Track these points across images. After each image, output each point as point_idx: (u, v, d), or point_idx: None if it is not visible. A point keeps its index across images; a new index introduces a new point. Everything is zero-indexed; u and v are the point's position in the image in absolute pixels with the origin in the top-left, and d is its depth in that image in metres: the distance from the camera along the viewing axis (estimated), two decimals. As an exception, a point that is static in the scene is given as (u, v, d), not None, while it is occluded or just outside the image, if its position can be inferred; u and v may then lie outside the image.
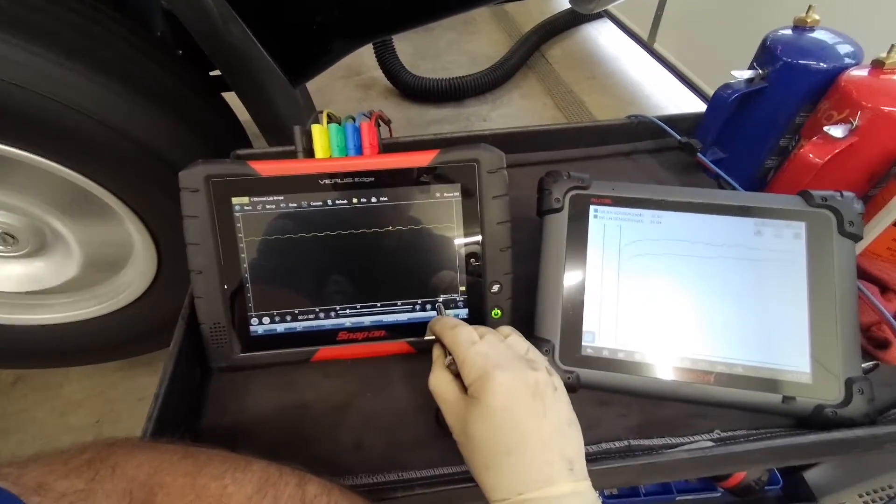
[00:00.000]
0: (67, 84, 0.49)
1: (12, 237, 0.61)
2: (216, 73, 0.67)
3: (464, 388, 0.29)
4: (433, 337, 0.34)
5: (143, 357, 0.83)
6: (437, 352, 0.33)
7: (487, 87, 1.49)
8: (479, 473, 0.27)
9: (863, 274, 0.40)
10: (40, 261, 0.66)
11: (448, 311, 0.40)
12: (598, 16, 1.74)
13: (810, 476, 0.56)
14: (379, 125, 0.44)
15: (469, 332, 0.31)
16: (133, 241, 0.64)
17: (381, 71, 1.44)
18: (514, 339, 0.32)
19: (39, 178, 0.56)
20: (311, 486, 0.27)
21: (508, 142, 0.53)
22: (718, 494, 0.56)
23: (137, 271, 0.67)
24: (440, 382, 0.30)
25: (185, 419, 0.37)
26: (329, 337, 0.40)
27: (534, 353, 0.31)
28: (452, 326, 0.32)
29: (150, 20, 0.68)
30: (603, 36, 1.74)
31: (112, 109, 0.52)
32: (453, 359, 0.30)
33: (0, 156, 0.51)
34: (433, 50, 1.72)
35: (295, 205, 0.38)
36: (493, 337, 0.31)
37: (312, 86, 1.04)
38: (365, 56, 1.52)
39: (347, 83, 1.58)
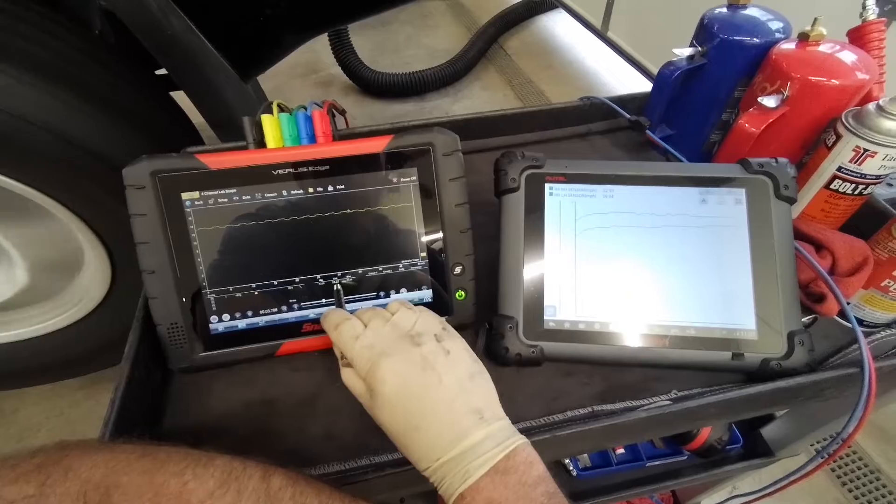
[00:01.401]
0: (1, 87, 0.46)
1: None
2: (163, 71, 0.64)
3: (361, 382, 0.31)
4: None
5: (106, 372, 0.80)
6: (337, 351, 0.34)
7: (448, 80, 1.49)
8: (403, 452, 0.29)
9: (799, 234, 0.42)
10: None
11: (412, 295, 0.41)
12: (552, 6, 1.77)
13: (767, 433, 0.60)
14: (333, 115, 0.43)
15: (351, 328, 0.32)
16: (82, 249, 0.61)
17: (339, 68, 1.42)
18: (400, 316, 0.32)
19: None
20: (276, 479, 0.26)
21: (465, 128, 0.54)
22: (685, 458, 0.59)
23: (90, 281, 0.64)
24: (348, 380, 0.32)
25: (145, 423, 0.36)
26: (293, 329, 0.39)
27: (422, 323, 0.32)
28: (335, 326, 0.32)
29: (87, 18, 0.65)
30: (559, 26, 1.78)
31: (49, 112, 0.49)
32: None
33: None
34: (392, 45, 1.71)
35: (248, 197, 0.37)
36: (378, 321, 0.32)
37: (269, 85, 1.02)
38: (322, 53, 1.50)
39: (305, 81, 1.55)
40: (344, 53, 1.37)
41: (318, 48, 1.53)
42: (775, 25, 0.48)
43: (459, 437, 0.27)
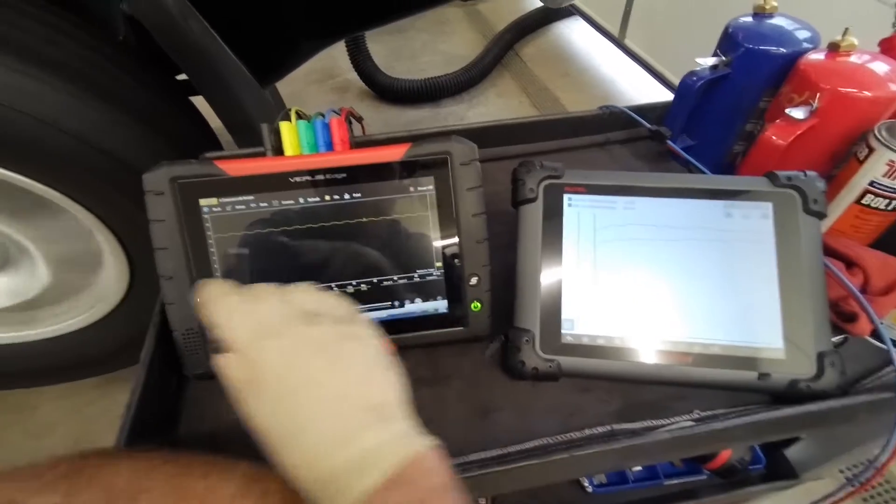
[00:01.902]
0: (26, 92, 0.47)
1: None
2: (183, 76, 0.65)
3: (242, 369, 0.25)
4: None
5: (121, 373, 0.81)
6: (208, 334, 0.29)
7: (463, 87, 1.49)
8: (278, 460, 0.23)
9: (829, 251, 0.41)
10: (5, 276, 0.64)
11: (427, 305, 0.40)
12: (569, 13, 1.77)
13: (791, 454, 0.58)
14: (350, 122, 0.43)
15: (231, 303, 0.26)
16: (101, 252, 0.62)
17: (355, 73, 1.43)
18: (299, 294, 0.27)
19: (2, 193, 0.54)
20: None
21: (482, 136, 0.53)
22: (704, 477, 0.57)
23: (109, 283, 0.64)
24: (223, 368, 0.25)
25: (161, 429, 0.36)
26: (307, 338, 0.39)
27: (323, 303, 0.27)
28: (210, 301, 0.26)
29: (110, 25, 0.66)
30: (575, 33, 1.77)
31: (74, 116, 0.50)
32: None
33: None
34: (408, 51, 1.72)
35: (266, 204, 0.37)
36: (267, 296, 0.26)
37: (286, 90, 1.03)
38: (339, 59, 1.51)
39: (322, 87, 1.56)
40: (360, 59, 1.38)
41: (335, 54, 1.54)
42: (803, 35, 0.47)
43: (349, 439, 0.22)
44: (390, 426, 0.23)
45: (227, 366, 0.25)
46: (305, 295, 0.27)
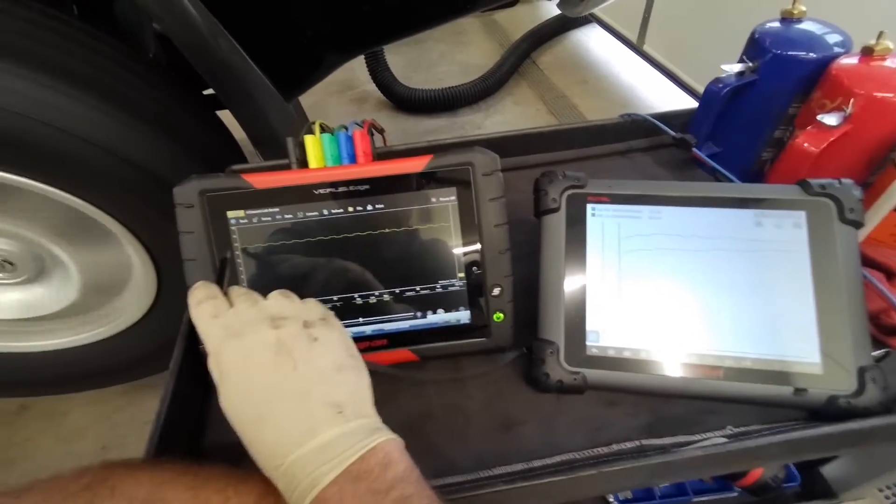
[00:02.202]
0: (61, 108, 0.49)
1: (10, 264, 0.61)
2: (209, 91, 0.67)
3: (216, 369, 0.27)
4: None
5: (147, 380, 0.83)
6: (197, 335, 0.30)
7: (480, 96, 1.50)
8: (249, 451, 0.25)
9: (867, 261, 0.39)
10: (39, 287, 0.66)
11: (449, 316, 0.40)
12: (586, 21, 1.76)
13: (828, 471, 0.55)
14: (372, 134, 0.44)
15: (213, 307, 0.28)
16: (132, 263, 0.64)
17: (374, 84, 1.45)
18: (271, 301, 0.29)
19: (36, 204, 0.56)
20: None
21: (503, 146, 0.53)
22: (735, 494, 0.55)
23: (138, 293, 0.66)
24: (209, 367, 0.28)
25: (187, 438, 0.36)
26: (330, 348, 0.39)
27: (292, 308, 0.28)
28: (198, 302, 0.29)
29: (142, 42, 0.69)
30: (592, 40, 1.76)
31: (106, 132, 0.52)
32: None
33: (-2, 182, 0.52)
34: (425, 61, 1.74)
35: (290, 216, 0.38)
36: (244, 303, 0.29)
37: (306, 102, 1.05)
38: (358, 70, 1.54)
39: (341, 98, 1.59)
40: (379, 70, 1.40)
41: (354, 66, 1.56)
42: (833, 39, 0.46)
43: (310, 432, 0.23)
44: (351, 422, 0.24)
45: (209, 366, 0.27)
46: (275, 301, 0.29)
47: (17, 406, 0.89)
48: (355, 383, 0.27)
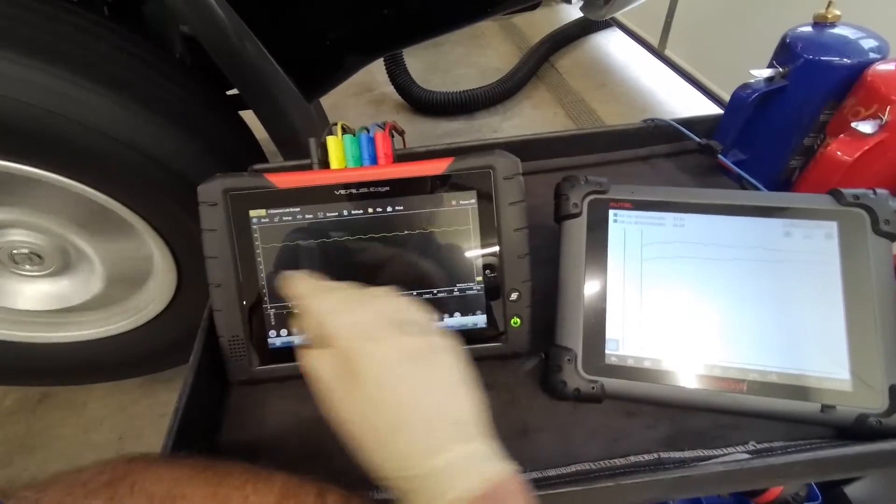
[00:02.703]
0: (88, 105, 0.50)
1: (38, 256, 0.63)
2: (233, 91, 0.68)
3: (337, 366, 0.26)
4: None
5: (164, 374, 0.84)
6: (297, 326, 0.30)
7: (498, 99, 1.49)
8: (363, 456, 0.25)
9: (901, 275, 0.38)
10: (65, 279, 0.68)
11: (466, 320, 0.40)
12: (606, 24, 1.75)
13: (852, 491, 0.53)
14: (393, 135, 0.44)
15: (328, 301, 0.27)
16: (153, 259, 0.65)
17: (392, 86, 1.46)
18: (384, 298, 0.28)
19: (62, 198, 0.57)
20: (331, 497, 0.26)
21: (523, 149, 0.53)
22: (754, 511, 0.53)
23: (158, 288, 0.68)
24: (309, 362, 0.27)
25: (204, 434, 0.37)
26: (347, 349, 0.39)
27: (409, 312, 0.28)
28: (306, 295, 0.28)
29: (169, 42, 0.70)
30: (612, 44, 1.75)
31: (131, 128, 0.53)
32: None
33: (27, 177, 0.53)
34: (443, 64, 1.75)
35: (311, 216, 0.38)
36: (358, 300, 0.28)
37: (326, 102, 1.06)
38: (376, 72, 1.55)
39: (360, 99, 1.60)
40: (397, 72, 1.41)
41: (373, 68, 1.57)
42: (869, 44, 0.44)
43: (437, 448, 0.23)
44: (475, 443, 0.24)
45: (320, 361, 0.26)
46: (393, 302, 0.28)
47: (40, 395, 0.92)
48: (475, 400, 0.26)
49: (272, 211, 0.38)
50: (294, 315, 0.29)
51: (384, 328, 0.26)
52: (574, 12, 1.92)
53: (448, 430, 0.24)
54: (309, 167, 0.41)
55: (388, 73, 1.42)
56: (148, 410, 0.89)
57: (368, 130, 0.42)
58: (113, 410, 0.90)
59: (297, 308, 0.28)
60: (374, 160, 0.40)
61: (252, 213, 0.37)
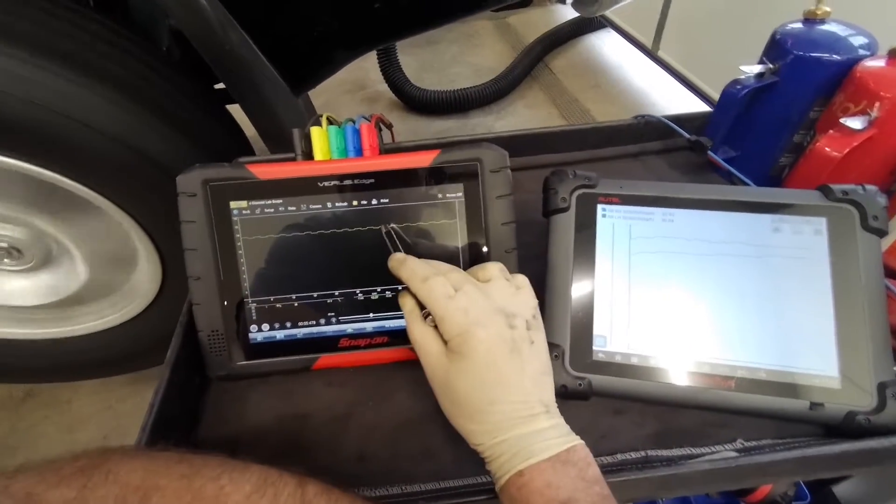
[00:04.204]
0: (71, 97, 0.49)
1: (18, 251, 0.61)
2: (221, 85, 0.67)
3: (443, 341, 0.30)
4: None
5: (151, 371, 0.83)
6: (409, 303, 0.32)
7: (492, 98, 1.49)
8: (460, 422, 0.29)
9: (890, 271, 0.37)
10: (46, 274, 0.66)
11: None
12: (600, 25, 1.75)
13: (840, 490, 0.53)
14: (380, 129, 0.43)
15: (443, 286, 0.30)
16: (137, 254, 0.64)
17: (386, 84, 1.45)
18: (495, 288, 0.31)
19: (43, 191, 0.56)
20: (311, 487, 0.26)
21: (513, 145, 0.52)
22: (742, 510, 0.53)
23: (142, 284, 0.66)
24: (423, 336, 0.31)
25: (182, 429, 0.36)
26: (330, 344, 0.39)
27: (517, 304, 0.31)
28: (424, 278, 0.31)
29: (155, 35, 0.69)
30: (606, 45, 1.75)
31: (116, 122, 0.52)
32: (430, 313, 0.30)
33: (6, 169, 0.52)
34: (438, 63, 1.74)
35: (294, 208, 0.37)
36: (471, 288, 0.30)
37: (319, 101, 1.05)
38: (370, 70, 1.54)
39: (353, 97, 1.59)
40: (391, 70, 1.40)
41: (367, 66, 1.57)
42: (858, 41, 0.44)
43: (529, 420, 0.28)
44: (557, 419, 0.29)
45: (429, 336, 0.30)
46: (501, 289, 0.31)
47: (23, 393, 0.90)
48: (552, 387, 0.31)
49: (254, 203, 0.37)
50: (401, 292, 0.33)
51: (493, 317, 0.29)
52: (568, 12, 1.93)
53: (537, 408, 0.28)
54: (293, 160, 0.41)
55: (381, 70, 1.42)
56: (134, 409, 0.87)
57: (354, 122, 0.41)
58: (98, 409, 0.88)
59: (411, 287, 0.31)
60: (359, 152, 0.40)
61: (233, 204, 0.37)
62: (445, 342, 0.30)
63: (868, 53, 0.43)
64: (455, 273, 0.31)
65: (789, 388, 0.34)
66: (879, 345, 0.34)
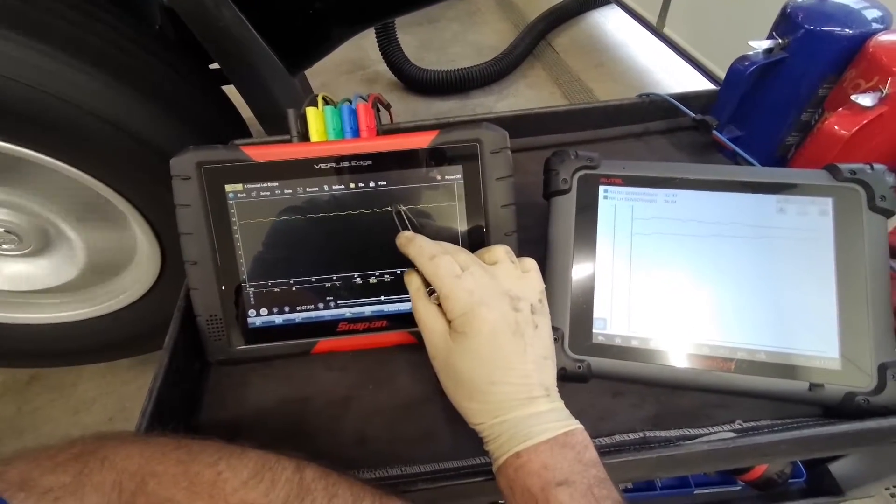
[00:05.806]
0: (67, 80, 0.48)
1: (16, 236, 0.61)
2: (216, 66, 0.66)
3: (447, 320, 0.30)
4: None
5: (156, 354, 0.83)
6: (416, 281, 0.32)
7: (493, 78, 1.46)
8: (460, 401, 0.29)
9: (895, 251, 0.37)
10: (45, 259, 0.66)
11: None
12: (605, 1, 1.70)
13: (836, 468, 0.54)
14: (378, 109, 0.42)
15: (450, 265, 0.30)
16: (136, 238, 0.63)
17: (385, 64, 1.42)
18: (501, 270, 0.31)
19: (40, 176, 0.55)
20: (309, 471, 0.26)
21: (514, 125, 0.51)
22: (739, 488, 0.54)
23: (143, 268, 0.66)
24: (427, 315, 0.30)
25: (182, 414, 0.36)
26: (329, 328, 0.38)
27: (520, 288, 0.31)
28: (431, 256, 0.30)
29: (148, 14, 0.67)
30: (611, 22, 1.70)
31: (109, 103, 0.51)
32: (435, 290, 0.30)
33: (2, 153, 0.51)
34: (438, 42, 1.70)
35: (290, 191, 0.36)
36: (477, 269, 0.30)
37: (316, 81, 1.03)
38: (369, 50, 1.51)
39: (352, 77, 1.56)
40: (390, 50, 1.37)
41: (366, 45, 1.54)
42: (872, 14, 0.43)
43: (529, 402, 0.28)
44: (557, 403, 0.29)
45: (431, 314, 0.30)
46: (507, 272, 0.31)
47: (28, 377, 0.91)
48: (554, 371, 0.30)
49: (249, 185, 0.36)
50: (408, 271, 0.33)
51: (497, 298, 0.29)
52: (572, -12, 1.87)
53: (537, 391, 0.28)
54: (289, 141, 0.40)
55: (381, 50, 1.38)
56: (139, 392, 0.88)
57: (351, 102, 0.40)
58: (103, 392, 0.89)
59: (418, 265, 0.31)
60: (356, 133, 0.39)
61: (228, 187, 0.36)
62: (449, 321, 0.29)
63: (882, 27, 0.42)
64: (462, 254, 0.31)
65: (789, 370, 0.34)
66: (881, 326, 0.34)
